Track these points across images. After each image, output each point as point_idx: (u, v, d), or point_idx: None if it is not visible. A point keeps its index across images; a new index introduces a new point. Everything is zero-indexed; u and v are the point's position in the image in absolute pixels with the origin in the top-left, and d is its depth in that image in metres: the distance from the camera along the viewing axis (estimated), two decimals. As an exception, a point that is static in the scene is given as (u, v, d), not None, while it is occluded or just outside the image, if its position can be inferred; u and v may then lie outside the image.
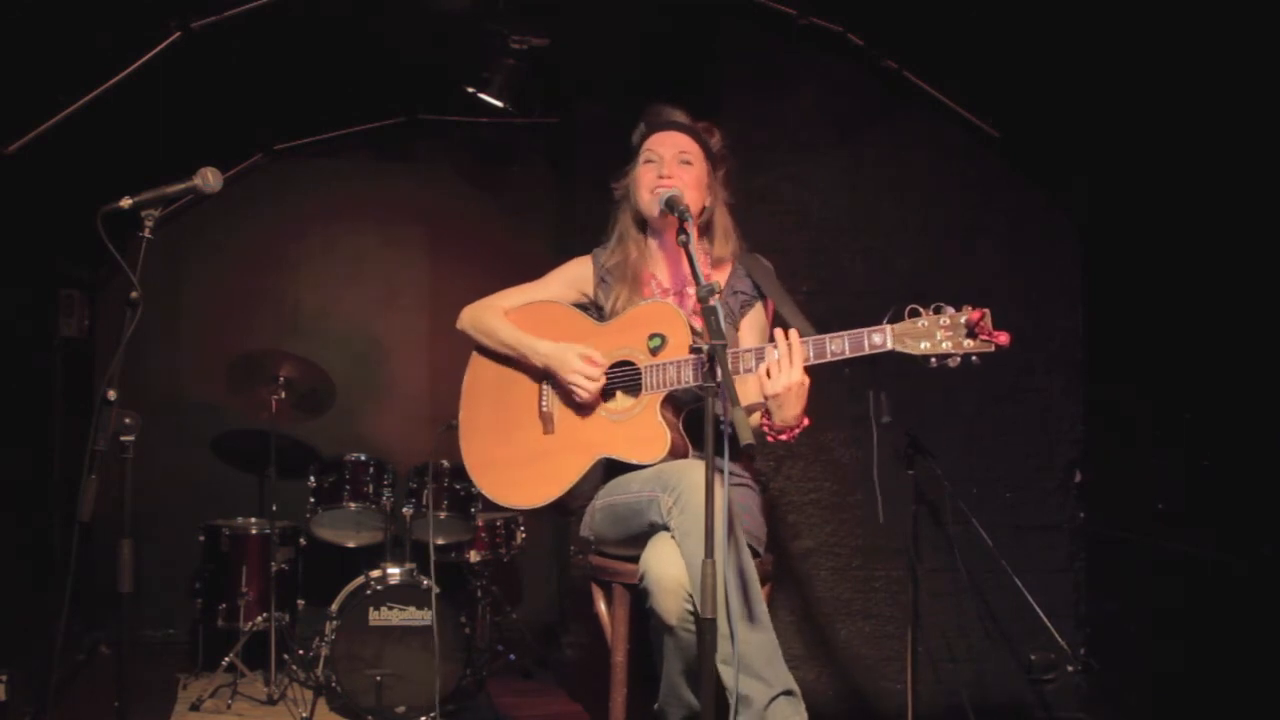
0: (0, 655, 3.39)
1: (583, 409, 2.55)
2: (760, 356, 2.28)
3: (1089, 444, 3.91)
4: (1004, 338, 2.15)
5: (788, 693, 2.19)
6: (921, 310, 2.19)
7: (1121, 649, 3.74)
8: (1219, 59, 3.17)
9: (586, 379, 2.49)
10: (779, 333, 2.26)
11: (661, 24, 3.89)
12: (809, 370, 2.25)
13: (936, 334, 2.17)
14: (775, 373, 2.23)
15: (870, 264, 3.86)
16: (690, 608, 2.20)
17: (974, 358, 2.17)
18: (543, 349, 2.58)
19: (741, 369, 2.32)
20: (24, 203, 3.78)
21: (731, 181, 2.69)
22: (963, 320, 2.16)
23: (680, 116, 2.64)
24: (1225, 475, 3.26)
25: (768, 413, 2.30)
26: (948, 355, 2.17)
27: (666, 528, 2.28)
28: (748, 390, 2.43)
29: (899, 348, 2.19)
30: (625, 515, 2.39)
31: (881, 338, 2.20)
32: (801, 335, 2.27)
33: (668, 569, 2.22)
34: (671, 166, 2.55)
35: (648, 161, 2.59)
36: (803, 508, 3.80)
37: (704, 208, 2.60)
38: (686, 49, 3.97)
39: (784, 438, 2.31)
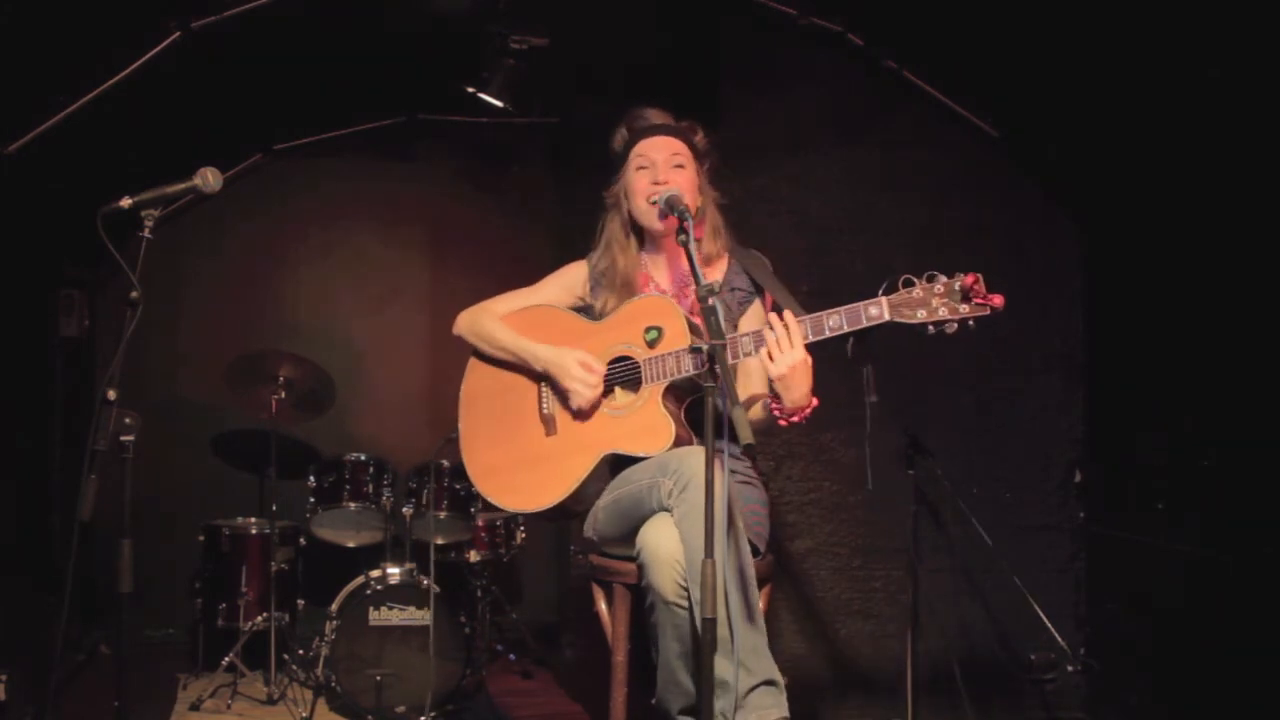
0: (0, 655, 3.39)
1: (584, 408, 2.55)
2: (759, 341, 2.29)
3: (1089, 444, 3.91)
4: (998, 299, 2.18)
5: (769, 682, 2.20)
6: (915, 280, 2.21)
7: (1121, 649, 3.74)
8: (1219, 57, 3.17)
9: (585, 385, 2.50)
10: (772, 316, 2.29)
11: (661, 24, 3.89)
12: (810, 349, 2.28)
13: (932, 301, 2.19)
14: (777, 354, 2.25)
15: (870, 264, 3.85)
16: (683, 583, 2.21)
17: (971, 323, 2.19)
18: (541, 354, 2.59)
19: (740, 354, 2.33)
20: (24, 202, 3.77)
21: (716, 176, 2.69)
22: (957, 285, 2.18)
23: (665, 118, 2.63)
24: (1225, 475, 3.25)
25: (776, 397, 2.32)
26: (944, 322, 2.19)
27: (667, 510, 2.29)
28: (751, 382, 2.45)
29: (896, 318, 2.21)
30: (628, 507, 2.40)
31: (878, 309, 2.22)
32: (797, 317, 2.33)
33: (664, 543, 2.24)
34: (666, 171, 2.54)
35: (640, 168, 2.58)
36: (803, 508, 3.80)
37: (698, 208, 2.60)
38: (686, 49, 3.97)
39: (795, 419, 2.32)
